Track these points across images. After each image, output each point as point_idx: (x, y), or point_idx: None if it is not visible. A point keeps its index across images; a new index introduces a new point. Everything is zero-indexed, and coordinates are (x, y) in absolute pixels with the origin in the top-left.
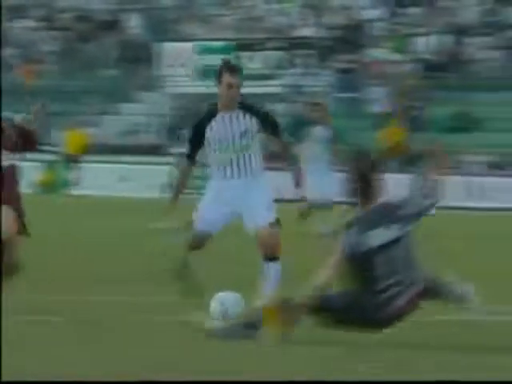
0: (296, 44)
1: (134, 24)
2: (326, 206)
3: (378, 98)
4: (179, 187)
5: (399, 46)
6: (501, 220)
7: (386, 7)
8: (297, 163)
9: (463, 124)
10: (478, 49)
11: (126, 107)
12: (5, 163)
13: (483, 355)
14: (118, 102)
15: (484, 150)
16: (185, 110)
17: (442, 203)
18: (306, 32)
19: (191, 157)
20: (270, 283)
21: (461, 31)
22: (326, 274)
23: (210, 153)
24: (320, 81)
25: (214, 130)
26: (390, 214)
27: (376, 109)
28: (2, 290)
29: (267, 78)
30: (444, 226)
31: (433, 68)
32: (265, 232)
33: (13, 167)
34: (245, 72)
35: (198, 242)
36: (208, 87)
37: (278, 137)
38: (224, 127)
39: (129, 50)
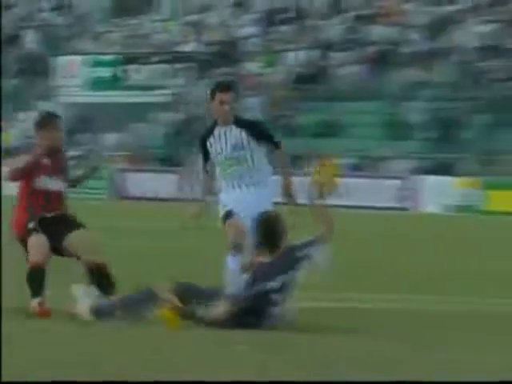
0: (178, 58)
1: (31, 39)
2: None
3: (252, 108)
4: (203, 193)
5: (271, 60)
6: (360, 217)
7: (260, 25)
8: (289, 174)
9: (328, 130)
10: (342, 63)
11: (23, 115)
12: (55, 187)
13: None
14: (17, 110)
15: (346, 153)
16: (76, 118)
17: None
18: (187, 47)
19: (204, 167)
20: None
21: (326, 47)
22: (221, 310)
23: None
24: (200, 91)
25: (213, 145)
26: (288, 260)
27: (251, 117)
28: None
29: (152, 88)
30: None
31: (301, 80)
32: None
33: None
34: (131, 83)
35: (237, 231)
36: (98, 97)
37: (272, 147)
38: (219, 141)
39: (27, 63)
